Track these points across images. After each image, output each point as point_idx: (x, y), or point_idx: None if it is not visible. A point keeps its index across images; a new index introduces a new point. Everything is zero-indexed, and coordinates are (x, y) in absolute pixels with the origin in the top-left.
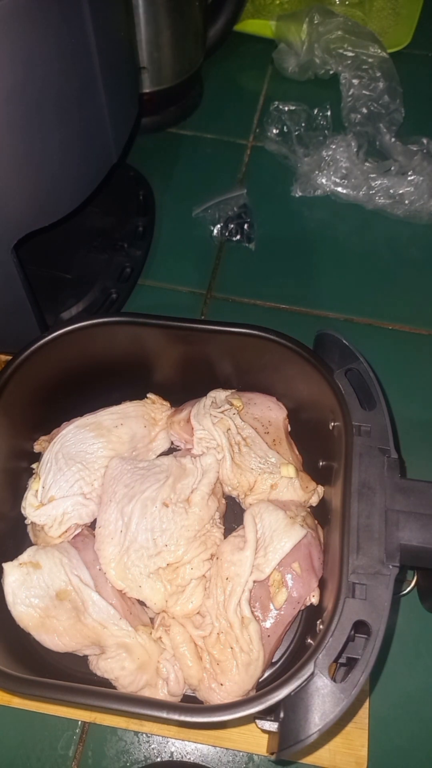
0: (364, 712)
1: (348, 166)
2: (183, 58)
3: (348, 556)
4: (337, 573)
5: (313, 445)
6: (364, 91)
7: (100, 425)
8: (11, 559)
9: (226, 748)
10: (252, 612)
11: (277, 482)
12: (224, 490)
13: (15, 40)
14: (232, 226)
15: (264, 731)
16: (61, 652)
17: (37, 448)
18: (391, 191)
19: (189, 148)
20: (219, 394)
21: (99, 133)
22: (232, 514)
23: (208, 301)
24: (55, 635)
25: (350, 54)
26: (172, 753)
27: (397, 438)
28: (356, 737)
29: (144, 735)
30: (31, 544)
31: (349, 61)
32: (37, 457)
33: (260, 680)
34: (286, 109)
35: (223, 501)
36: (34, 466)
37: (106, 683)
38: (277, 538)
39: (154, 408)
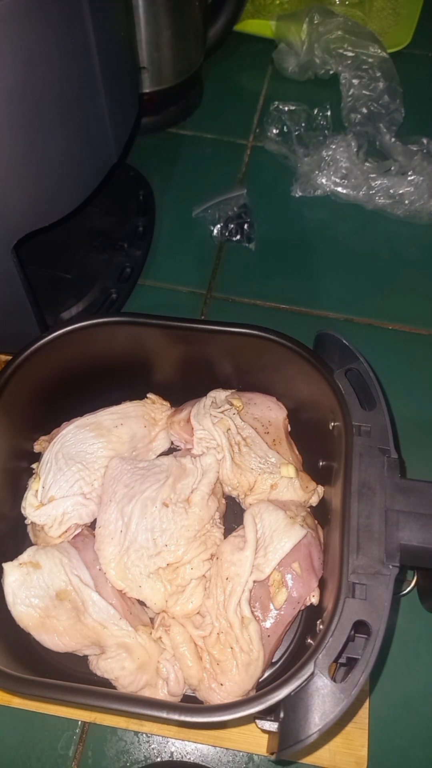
0: (364, 712)
1: (348, 166)
2: (183, 58)
3: (348, 556)
4: (337, 573)
5: (313, 445)
6: (364, 91)
7: (100, 425)
8: (11, 559)
9: (226, 748)
10: (252, 612)
11: (277, 482)
12: (224, 490)
13: (15, 40)
14: (232, 226)
15: (264, 731)
16: (61, 652)
17: (37, 448)
18: (391, 191)
19: (189, 148)
20: (219, 394)
21: (99, 133)
22: (232, 514)
23: (208, 301)
24: (55, 635)
25: (350, 54)
26: (172, 753)
27: (397, 438)
28: (356, 737)
29: (144, 735)
30: (31, 544)
31: (349, 61)
32: (37, 457)
33: (260, 680)
34: (286, 109)
35: (223, 501)
36: (34, 466)
37: (106, 683)
38: (277, 538)
39: (154, 408)
